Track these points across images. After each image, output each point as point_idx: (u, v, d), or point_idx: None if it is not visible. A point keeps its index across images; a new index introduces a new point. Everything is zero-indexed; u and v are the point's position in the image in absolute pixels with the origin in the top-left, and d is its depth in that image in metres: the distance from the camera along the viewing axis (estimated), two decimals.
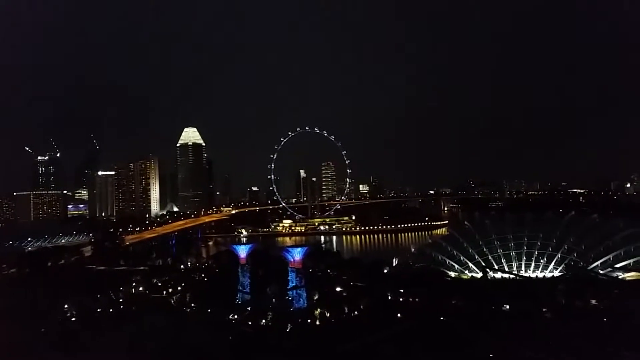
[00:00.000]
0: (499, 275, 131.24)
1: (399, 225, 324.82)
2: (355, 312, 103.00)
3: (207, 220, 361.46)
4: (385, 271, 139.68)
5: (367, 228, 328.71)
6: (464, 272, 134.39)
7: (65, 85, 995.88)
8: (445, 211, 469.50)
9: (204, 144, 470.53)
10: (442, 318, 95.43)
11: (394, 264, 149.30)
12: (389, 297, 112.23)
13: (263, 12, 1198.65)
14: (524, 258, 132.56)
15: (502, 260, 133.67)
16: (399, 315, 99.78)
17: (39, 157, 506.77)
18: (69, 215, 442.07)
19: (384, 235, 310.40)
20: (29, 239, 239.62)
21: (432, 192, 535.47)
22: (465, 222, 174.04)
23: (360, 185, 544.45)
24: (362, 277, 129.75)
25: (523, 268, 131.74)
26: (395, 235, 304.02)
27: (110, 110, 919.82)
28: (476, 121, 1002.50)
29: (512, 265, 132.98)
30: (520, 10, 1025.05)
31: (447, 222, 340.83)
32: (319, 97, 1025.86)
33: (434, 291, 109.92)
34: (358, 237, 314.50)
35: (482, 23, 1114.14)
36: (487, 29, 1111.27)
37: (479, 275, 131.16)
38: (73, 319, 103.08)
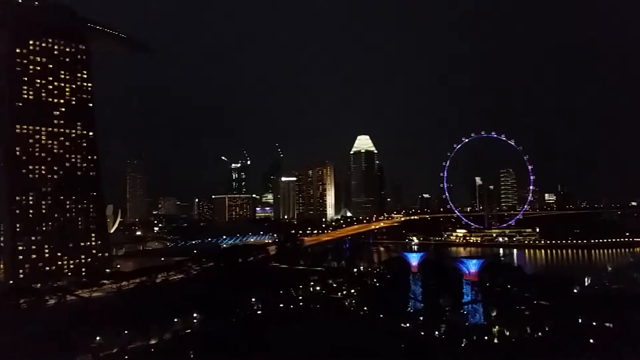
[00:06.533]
0: None
1: (592, 241, 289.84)
2: (539, 334, 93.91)
3: (378, 226, 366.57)
4: (575, 291, 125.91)
5: (553, 242, 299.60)
6: None
7: (256, 98, 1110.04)
8: None
9: (375, 151, 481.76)
10: None
11: (586, 284, 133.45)
12: (579, 320, 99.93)
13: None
14: None
15: None
16: (591, 340, 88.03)
17: (233, 165, 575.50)
18: (257, 217, 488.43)
19: (574, 251, 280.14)
20: (224, 236, 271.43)
21: (634, 203, 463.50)
22: None
23: (546, 195, 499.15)
24: (547, 295, 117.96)
25: None
26: (588, 252, 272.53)
27: (295, 118, 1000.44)
28: None
29: None
30: None
31: None
32: (497, 99, 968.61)
33: (635, 317, 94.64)
34: (542, 251, 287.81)
35: None
36: None
37: None
38: (259, 312, 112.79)
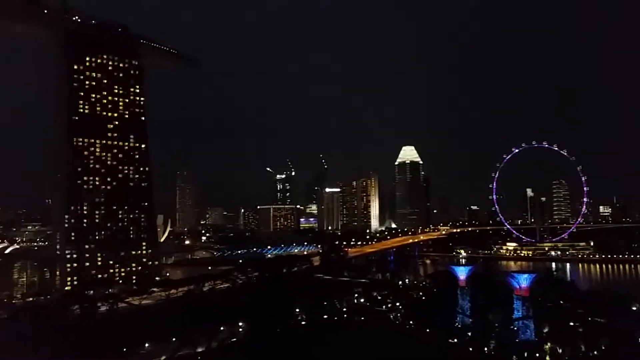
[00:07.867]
0: None
1: None
2: (595, 352, 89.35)
3: (424, 238, 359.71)
4: (634, 308, 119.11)
5: (609, 256, 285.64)
6: None
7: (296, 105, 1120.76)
8: None
9: (421, 162, 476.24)
10: None
11: None
12: None
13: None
14: None
15: None
16: None
17: (278, 176, 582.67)
18: (301, 228, 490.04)
19: (632, 266, 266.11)
20: (269, 247, 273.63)
21: None
22: None
23: (601, 207, 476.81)
24: (602, 312, 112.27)
25: None
26: None
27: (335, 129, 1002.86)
28: None
29: None
30: None
31: None
32: (547, 107, 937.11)
33: None
34: (597, 266, 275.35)
35: None
36: None
37: None
38: (303, 323, 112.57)
